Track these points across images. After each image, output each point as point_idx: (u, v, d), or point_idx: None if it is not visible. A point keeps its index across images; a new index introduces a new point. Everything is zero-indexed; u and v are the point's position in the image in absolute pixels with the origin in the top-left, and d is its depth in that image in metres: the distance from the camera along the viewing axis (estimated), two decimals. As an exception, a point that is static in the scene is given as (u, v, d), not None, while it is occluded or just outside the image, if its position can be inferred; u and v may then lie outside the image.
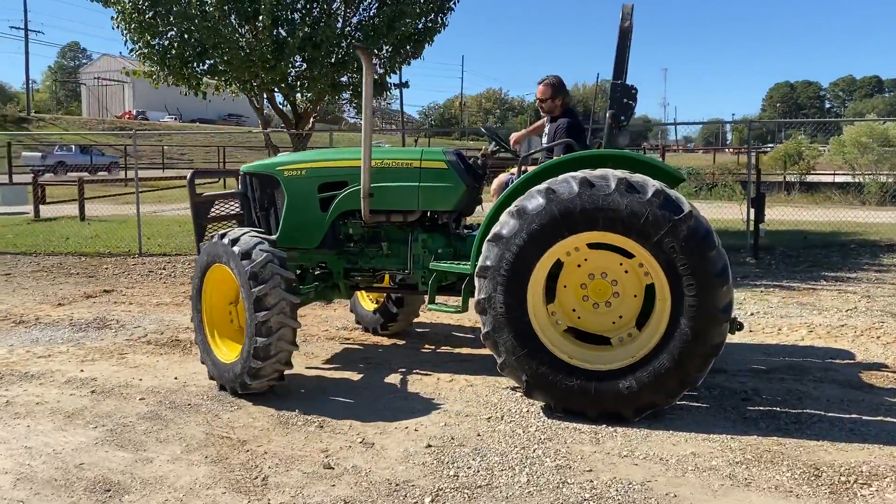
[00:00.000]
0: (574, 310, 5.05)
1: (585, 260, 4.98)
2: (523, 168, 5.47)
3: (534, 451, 4.31)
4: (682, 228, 4.45)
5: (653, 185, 4.52)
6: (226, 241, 5.10)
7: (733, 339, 6.79)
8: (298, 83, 11.28)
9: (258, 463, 4.18)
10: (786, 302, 8.43)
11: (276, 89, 11.44)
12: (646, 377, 4.61)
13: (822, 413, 4.88)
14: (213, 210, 5.98)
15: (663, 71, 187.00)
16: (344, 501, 3.73)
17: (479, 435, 4.56)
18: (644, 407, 4.67)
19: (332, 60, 10.92)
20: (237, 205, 6.16)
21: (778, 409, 4.98)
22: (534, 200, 4.69)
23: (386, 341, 6.90)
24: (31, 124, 52.17)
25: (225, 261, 5.12)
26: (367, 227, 5.83)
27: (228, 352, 5.34)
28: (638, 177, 4.59)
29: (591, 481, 3.92)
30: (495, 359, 4.84)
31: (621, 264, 4.89)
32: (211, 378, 5.41)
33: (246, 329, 5.00)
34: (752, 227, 11.74)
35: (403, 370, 5.90)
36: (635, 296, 4.93)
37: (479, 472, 4.05)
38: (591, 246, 4.87)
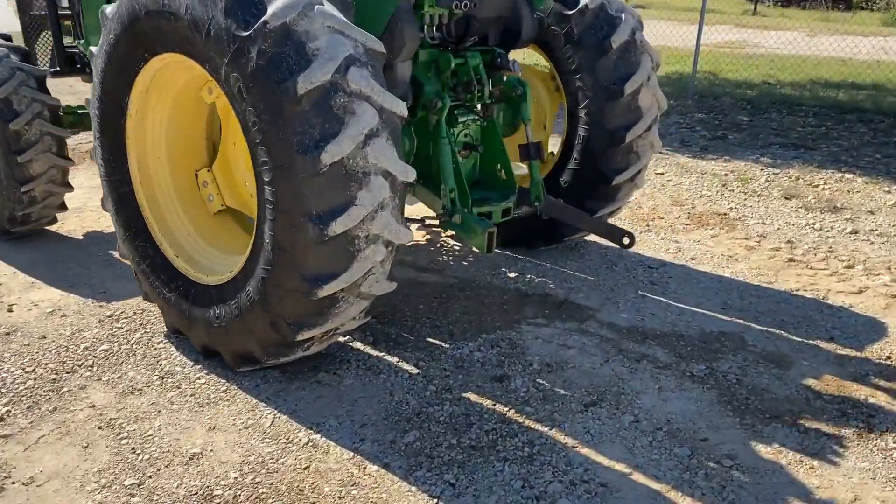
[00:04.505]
0: (247, 183, 3.22)
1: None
2: None
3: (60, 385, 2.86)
4: (251, 52, 2.33)
5: None
6: None
7: (749, 277, 4.13)
8: None
9: None
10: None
11: None
12: (233, 309, 2.76)
13: (584, 428, 2.55)
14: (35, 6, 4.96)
15: None
16: None
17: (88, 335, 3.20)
18: (243, 356, 2.84)
19: None
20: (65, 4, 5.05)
21: (528, 408, 2.73)
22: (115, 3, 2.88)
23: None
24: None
25: None
26: None
27: None
28: None
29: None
30: None
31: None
32: None
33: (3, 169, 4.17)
34: None
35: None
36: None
37: None
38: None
